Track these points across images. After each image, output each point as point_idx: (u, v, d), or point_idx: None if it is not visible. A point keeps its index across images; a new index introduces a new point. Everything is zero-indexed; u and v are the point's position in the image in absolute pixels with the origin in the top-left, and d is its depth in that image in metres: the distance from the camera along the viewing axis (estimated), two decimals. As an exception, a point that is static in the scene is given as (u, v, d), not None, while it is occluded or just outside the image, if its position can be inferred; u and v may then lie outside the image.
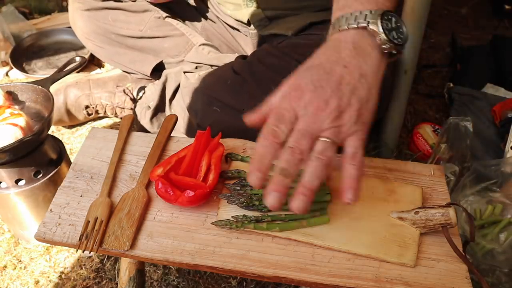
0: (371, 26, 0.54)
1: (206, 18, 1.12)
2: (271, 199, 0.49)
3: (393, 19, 0.55)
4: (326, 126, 0.51)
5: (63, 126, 1.27)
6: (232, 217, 0.59)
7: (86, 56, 1.15)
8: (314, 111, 0.51)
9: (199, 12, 1.11)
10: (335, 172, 0.62)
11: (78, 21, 1.11)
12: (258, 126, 0.54)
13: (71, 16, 1.14)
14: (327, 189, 0.61)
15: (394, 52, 0.55)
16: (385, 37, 0.53)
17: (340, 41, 0.55)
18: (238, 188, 0.62)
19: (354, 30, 0.55)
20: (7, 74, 1.47)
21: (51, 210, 0.61)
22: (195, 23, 1.12)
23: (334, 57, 0.54)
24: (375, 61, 0.54)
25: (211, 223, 0.59)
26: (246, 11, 0.98)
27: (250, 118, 0.57)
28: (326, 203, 0.61)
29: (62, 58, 1.51)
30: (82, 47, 1.49)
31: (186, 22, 1.11)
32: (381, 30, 0.53)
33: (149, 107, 1.11)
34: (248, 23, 1.01)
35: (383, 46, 0.54)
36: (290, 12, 0.95)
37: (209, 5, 1.08)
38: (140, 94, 1.17)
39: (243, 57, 0.96)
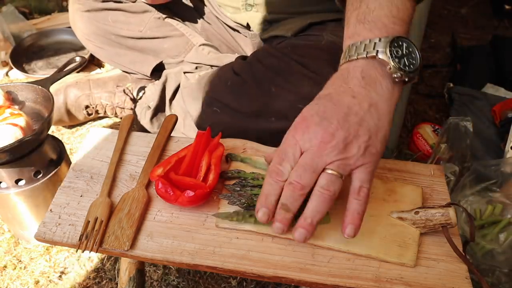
0: (380, 56, 0.52)
1: (206, 18, 1.12)
2: (276, 229, 0.52)
3: (404, 45, 0.53)
4: (331, 159, 0.50)
5: (63, 126, 1.27)
6: (233, 212, 0.59)
7: (86, 56, 1.15)
8: (318, 144, 0.50)
9: (198, 13, 1.11)
10: None
11: (78, 22, 1.12)
12: None
13: (71, 17, 1.14)
14: None
15: (406, 79, 0.53)
16: (395, 66, 0.52)
17: (349, 71, 0.54)
18: (238, 188, 0.61)
19: (363, 60, 0.53)
20: (7, 74, 1.47)
21: (51, 210, 0.61)
22: (195, 23, 1.12)
23: (343, 88, 0.53)
24: (386, 90, 0.53)
25: (213, 215, 0.59)
26: (246, 15, 0.98)
27: (269, 157, 0.60)
28: None
29: (62, 58, 1.51)
30: (82, 47, 1.49)
31: (186, 22, 1.11)
32: (390, 59, 0.51)
33: (149, 107, 1.11)
34: (248, 27, 1.01)
35: (394, 75, 0.52)
36: (289, 15, 0.95)
37: (208, 6, 1.09)
38: (140, 94, 1.17)
39: (243, 58, 0.96)
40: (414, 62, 0.54)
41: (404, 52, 0.53)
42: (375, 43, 0.53)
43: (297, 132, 0.52)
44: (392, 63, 0.52)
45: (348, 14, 0.58)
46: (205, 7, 1.09)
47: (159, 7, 1.07)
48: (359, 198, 0.51)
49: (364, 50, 0.53)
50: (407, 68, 0.52)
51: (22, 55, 1.50)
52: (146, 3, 1.04)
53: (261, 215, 0.52)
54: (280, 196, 0.52)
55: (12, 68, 1.46)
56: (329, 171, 0.50)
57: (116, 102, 1.23)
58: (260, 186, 0.61)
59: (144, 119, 1.11)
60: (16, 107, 0.87)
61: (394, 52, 0.52)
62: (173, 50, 1.08)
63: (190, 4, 1.10)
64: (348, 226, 0.51)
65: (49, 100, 0.86)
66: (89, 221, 0.58)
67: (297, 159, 0.51)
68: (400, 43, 0.53)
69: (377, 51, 0.52)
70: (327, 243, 0.57)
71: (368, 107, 0.51)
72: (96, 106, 1.23)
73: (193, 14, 1.12)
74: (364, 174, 0.51)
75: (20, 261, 0.93)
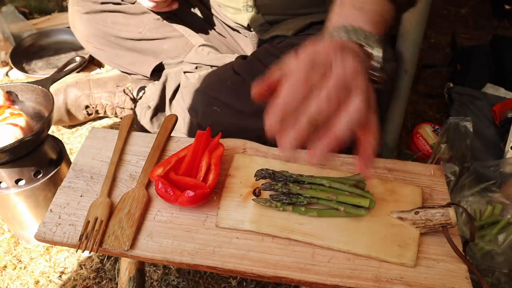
0: (369, 50, 0.50)
1: (205, 19, 1.12)
2: (285, 143, 0.43)
3: (387, 50, 0.54)
4: (360, 83, 0.43)
5: (63, 126, 1.27)
6: (270, 195, 0.60)
7: (86, 56, 1.15)
8: (352, 63, 0.44)
9: (199, 14, 1.11)
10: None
11: (78, 24, 1.12)
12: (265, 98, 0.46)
13: (71, 19, 1.14)
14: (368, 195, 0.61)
15: (379, 82, 0.51)
16: (377, 66, 0.51)
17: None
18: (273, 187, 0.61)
19: (352, 43, 0.51)
20: (7, 74, 1.47)
21: (51, 210, 0.61)
22: (195, 24, 1.12)
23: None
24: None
25: (252, 199, 0.60)
26: (246, 16, 0.98)
27: (257, 88, 0.50)
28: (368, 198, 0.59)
29: (62, 58, 1.51)
30: (82, 47, 1.49)
31: (186, 23, 1.11)
32: (379, 56, 0.50)
33: (149, 107, 1.11)
34: (248, 27, 1.01)
35: (370, 71, 0.51)
36: (290, 17, 0.95)
37: (209, 7, 1.08)
38: (140, 94, 1.17)
39: (243, 57, 0.96)
40: (387, 68, 0.54)
41: (385, 58, 0.52)
42: (366, 34, 0.51)
43: (325, 45, 0.46)
44: (379, 61, 0.51)
45: None
46: (205, 8, 1.09)
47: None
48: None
49: (355, 35, 0.51)
50: (383, 72, 0.52)
51: (22, 55, 1.50)
52: (151, 10, 1.04)
53: (271, 121, 0.44)
54: (298, 107, 0.44)
55: (12, 68, 1.46)
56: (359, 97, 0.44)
57: (116, 102, 1.23)
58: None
59: (144, 119, 1.11)
60: (16, 107, 0.87)
61: (383, 52, 0.51)
62: (173, 51, 1.08)
63: (193, 8, 1.10)
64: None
65: (49, 100, 0.86)
66: (89, 221, 0.58)
67: (324, 73, 0.44)
68: (385, 47, 0.53)
69: (368, 43, 0.50)
70: (327, 243, 0.57)
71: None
72: (96, 106, 1.23)
73: (193, 14, 1.12)
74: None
75: (20, 261, 0.93)
